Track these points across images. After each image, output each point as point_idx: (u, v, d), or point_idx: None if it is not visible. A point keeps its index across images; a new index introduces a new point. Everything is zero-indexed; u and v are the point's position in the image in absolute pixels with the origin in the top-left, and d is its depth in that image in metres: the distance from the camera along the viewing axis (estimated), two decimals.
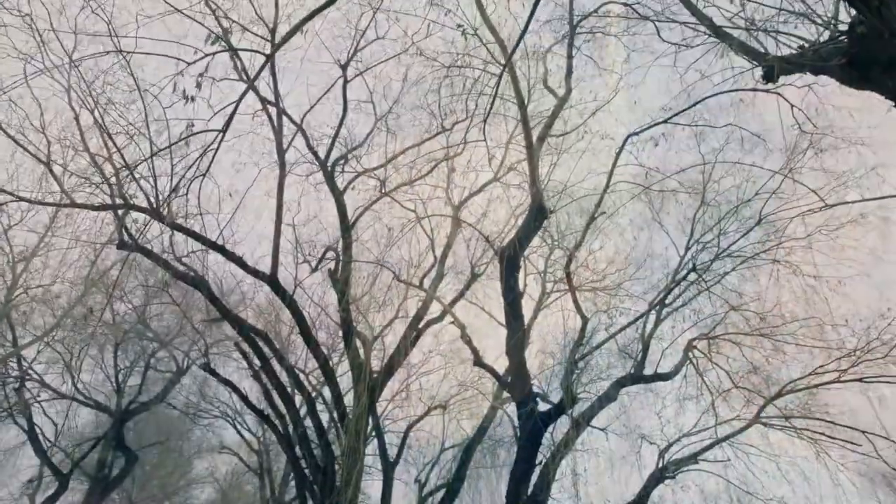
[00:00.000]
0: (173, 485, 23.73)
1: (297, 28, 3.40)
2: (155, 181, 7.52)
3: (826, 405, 10.22)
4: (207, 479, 25.59)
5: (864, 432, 9.16)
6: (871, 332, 9.33)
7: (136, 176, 8.89)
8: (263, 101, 9.73)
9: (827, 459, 9.74)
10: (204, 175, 3.59)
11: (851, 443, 9.25)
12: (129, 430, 17.13)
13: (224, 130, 3.34)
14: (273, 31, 8.54)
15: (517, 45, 4.17)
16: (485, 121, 4.50)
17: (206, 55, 3.77)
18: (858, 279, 9.28)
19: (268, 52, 7.83)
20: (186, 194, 4.13)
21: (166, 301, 12.73)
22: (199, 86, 3.68)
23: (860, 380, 9.32)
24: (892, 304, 9.16)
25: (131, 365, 16.77)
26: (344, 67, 9.96)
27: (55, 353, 14.73)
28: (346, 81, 10.13)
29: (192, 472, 25.19)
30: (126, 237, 8.89)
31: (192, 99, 3.80)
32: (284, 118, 9.93)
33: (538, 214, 7.01)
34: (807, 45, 3.99)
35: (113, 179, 9.19)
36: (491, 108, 4.43)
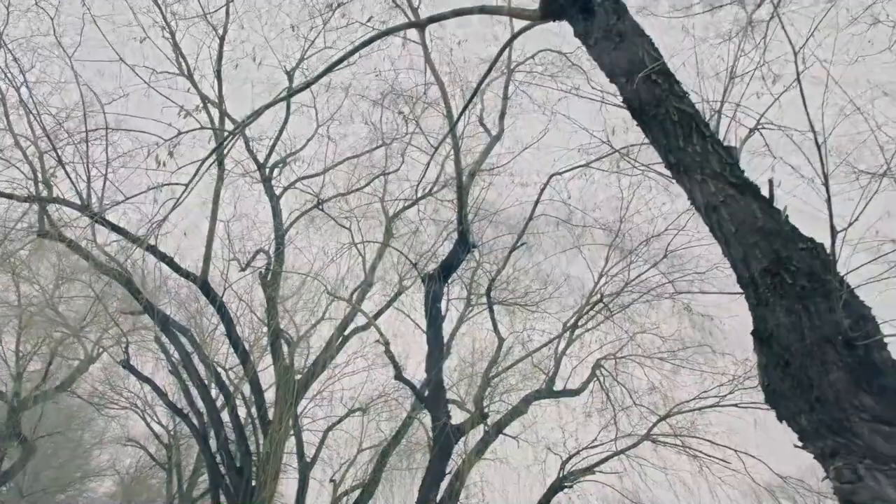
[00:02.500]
0: (69, 476, 22.48)
1: (257, 114, 3.68)
2: (88, 172, 7.39)
3: (710, 425, 11.42)
4: (108, 471, 24.39)
5: (736, 451, 10.34)
6: (748, 363, 10.51)
7: (64, 162, 8.68)
8: (204, 98, 9.70)
9: (708, 474, 10.91)
10: (163, 220, 3.79)
11: (725, 461, 10.40)
12: (26, 418, 16.19)
13: (188, 185, 3.58)
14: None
15: (461, 113, 4.62)
16: (417, 189, 4.93)
17: (179, 133, 3.99)
18: (743, 316, 10.45)
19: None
20: (145, 239, 4.29)
21: (82, 292, 12.25)
22: (171, 154, 3.92)
23: (736, 405, 10.49)
24: None
25: (33, 350, 15.86)
26: (290, 75, 10.09)
27: None
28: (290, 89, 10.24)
29: (92, 464, 23.97)
30: (48, 225, 8.63)
31: (164, 164, 4.03)
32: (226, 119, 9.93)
33: (463, 249, 7.55)
34: None
35: (37, 163, 8.91)
36: (424, 174, 4.86)
